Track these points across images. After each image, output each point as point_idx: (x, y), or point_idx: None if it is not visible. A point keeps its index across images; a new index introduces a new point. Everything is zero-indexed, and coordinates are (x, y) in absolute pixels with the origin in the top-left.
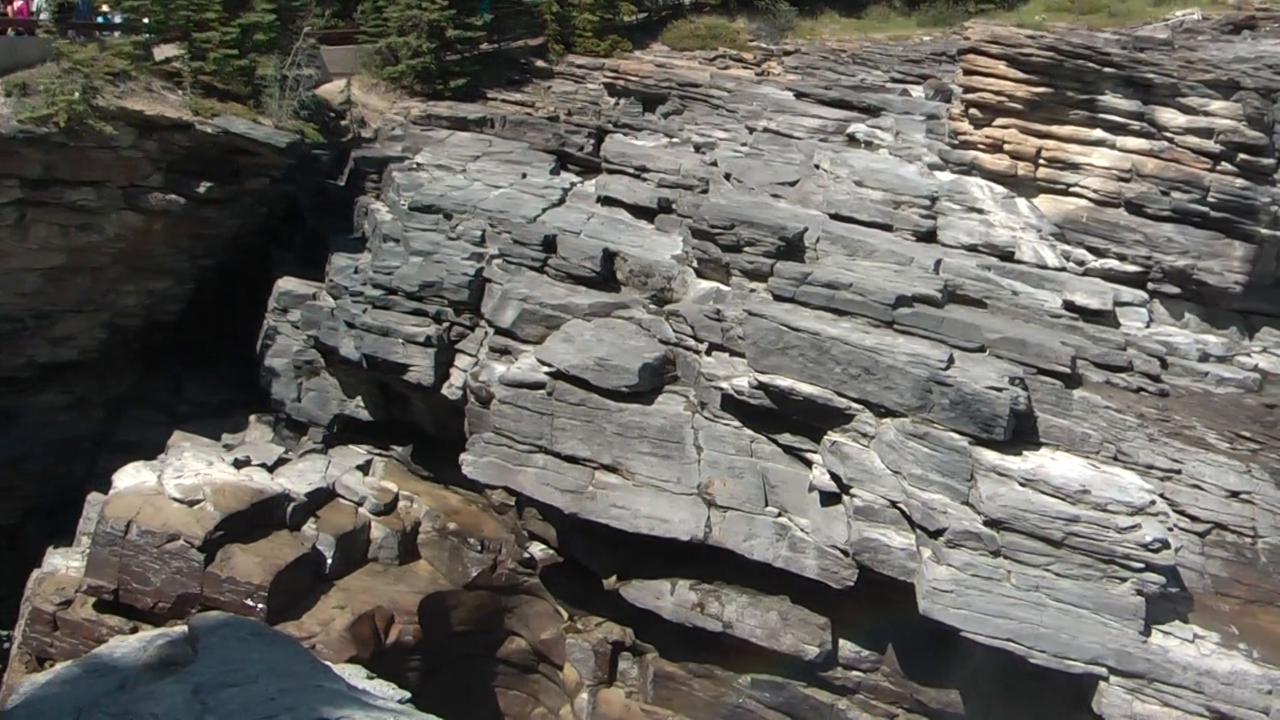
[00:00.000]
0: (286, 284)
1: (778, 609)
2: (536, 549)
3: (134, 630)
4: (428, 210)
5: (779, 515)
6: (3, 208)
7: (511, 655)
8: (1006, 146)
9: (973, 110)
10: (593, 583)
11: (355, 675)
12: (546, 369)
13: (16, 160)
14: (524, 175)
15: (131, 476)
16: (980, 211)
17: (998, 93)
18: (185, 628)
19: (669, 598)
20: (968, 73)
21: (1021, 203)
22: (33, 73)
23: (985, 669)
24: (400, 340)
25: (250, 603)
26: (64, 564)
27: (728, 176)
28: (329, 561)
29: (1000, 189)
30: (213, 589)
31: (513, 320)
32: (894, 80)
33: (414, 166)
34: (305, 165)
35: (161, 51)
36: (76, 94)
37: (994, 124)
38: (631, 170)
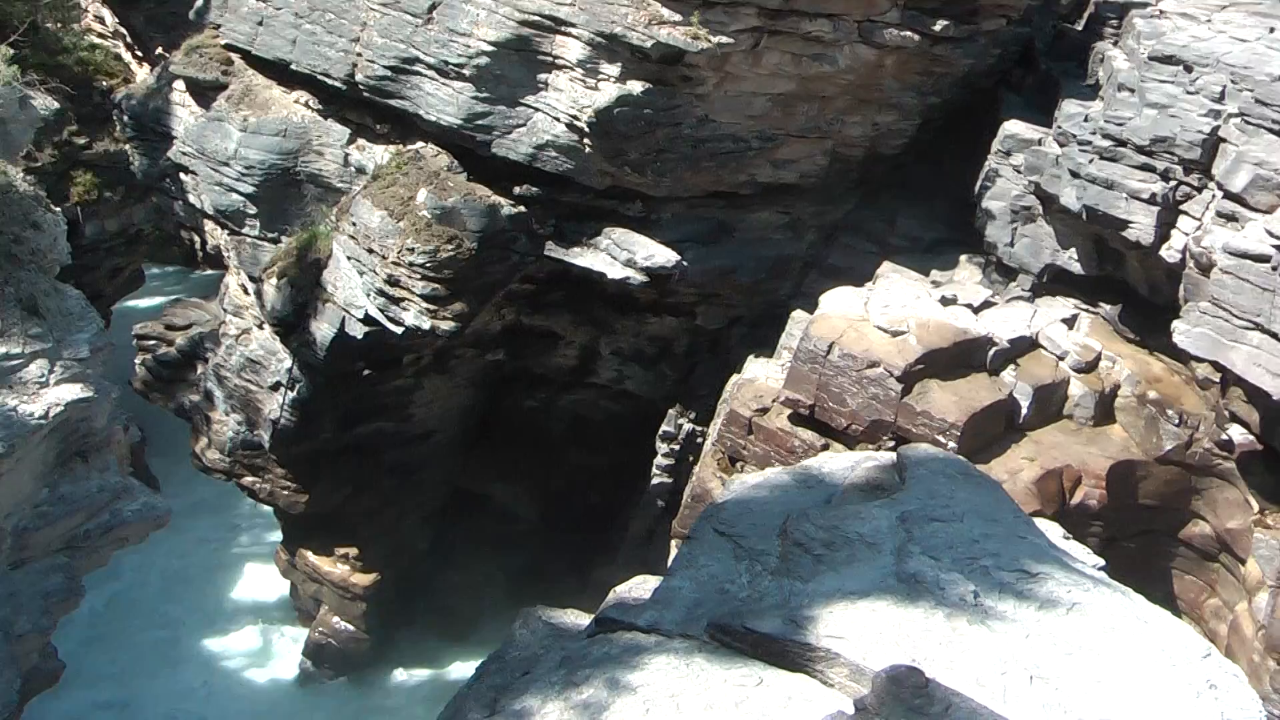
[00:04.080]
0: (1013, 127)
1: None
2: (1236, 432)
3: (825, 447)
4: (1167, 61)
5: None
6: (739, 34)
7: (1193, 539)
8: None
9: None
10: None
11: (1052, 532)
12: (1274, 241)
13: None
14: (1272, 30)
15: (838, 300)
16: None
17: None
18: (894, 455)
19: None
20: None
21: None
22: None
23: None
24: (1124, 195)
25: (942, 439)
26: (763, 373)
27: None
28: (1024, 412)
29: None
30: (906, 420)
31: (1244, 185)
32: None
33: (1158, 14)
34: (1044, 8)
35: None
36: None
37: None
38: None
